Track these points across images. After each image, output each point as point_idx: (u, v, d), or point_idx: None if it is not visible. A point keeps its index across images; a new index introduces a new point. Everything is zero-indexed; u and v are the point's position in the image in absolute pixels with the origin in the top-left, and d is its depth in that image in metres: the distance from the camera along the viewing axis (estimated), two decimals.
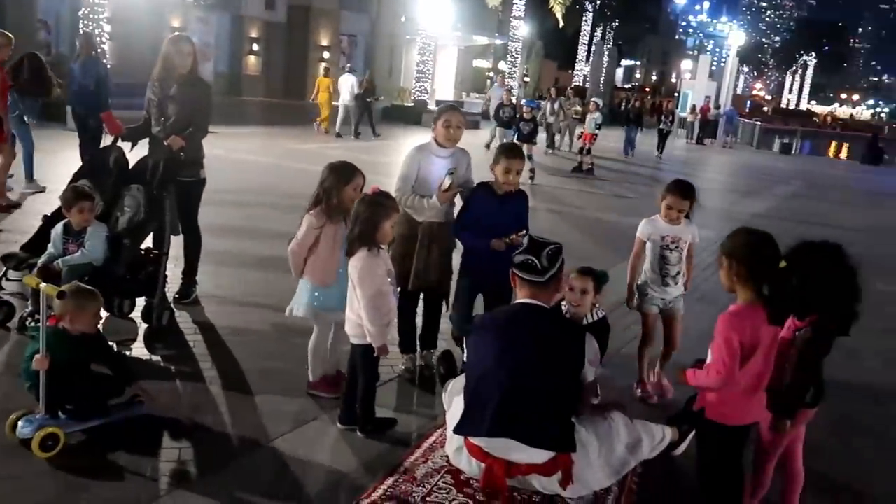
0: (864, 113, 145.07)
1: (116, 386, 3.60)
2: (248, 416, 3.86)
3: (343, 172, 3.91)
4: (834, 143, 39.25)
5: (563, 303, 3.89)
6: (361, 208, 3.57)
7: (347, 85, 19.10)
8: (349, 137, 18.55)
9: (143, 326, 4.81)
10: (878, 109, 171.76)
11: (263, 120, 21.34)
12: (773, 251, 2.89)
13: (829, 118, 75.33)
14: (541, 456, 3.01)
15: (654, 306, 4.33)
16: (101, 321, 3.88)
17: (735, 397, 2.88)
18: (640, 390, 4.41)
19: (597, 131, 16.47)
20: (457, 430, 3.17)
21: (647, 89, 77.68)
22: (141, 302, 4.88)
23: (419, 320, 4.64)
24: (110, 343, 3.89)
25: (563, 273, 3.34)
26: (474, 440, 3.11)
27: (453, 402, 3.44)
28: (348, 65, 23.98)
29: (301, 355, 4.46)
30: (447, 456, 3.29)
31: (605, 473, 3.15)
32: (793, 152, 30.08)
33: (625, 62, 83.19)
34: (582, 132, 17.13)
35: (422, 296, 4.54)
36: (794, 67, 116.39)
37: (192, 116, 5.16)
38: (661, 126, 21.53)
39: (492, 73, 47.40)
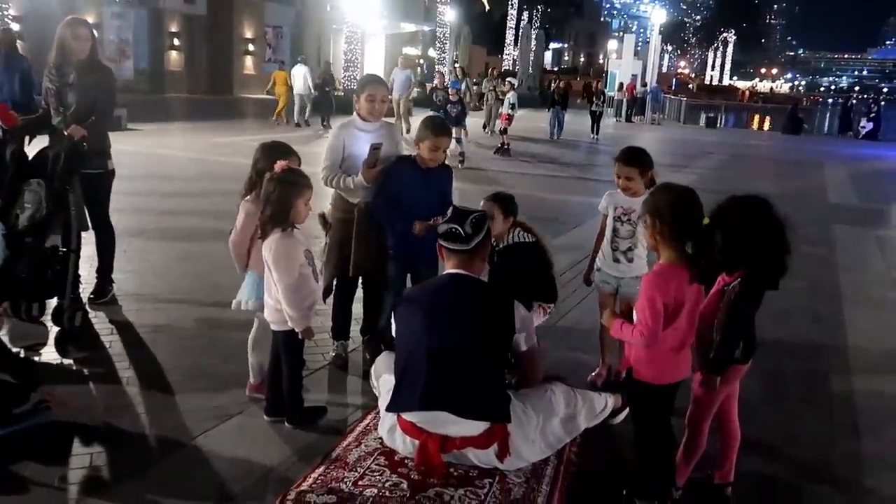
0: (783, 87, 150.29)
1: (19, 392, 3.34)
2: (169, 416, 3.64)
3: (275, 152, 3.63)
4: (757, 116, 40.36)
5: None
6: (271, 188, 3.36)
7: (300, 75, 19.14)
8: (317, 127, 18.39)
9: (54, 329, 4.51)
10: (796, 83, 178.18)
11: (187, 116, 20.70)
12: (696, 208, 2.83)
13: (746, 93, 77.54)
14: (475, 428, 2.91)
15: (607, 284, 4.09)
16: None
17: (661, 357, 2.83)
18: (594, 374, 4.26)
19: (511, 112, 16.53)
20: (389, 408, 3.04)
21: (576, 71, 78.51)
22: (54, 305, 4.58)
23: (358, 308, 4.47)
24: (14, 349, 3.63)
25: (489, 241, 3.24)
26: (407, 416, 2.98)
27: (381, 381, 3.32)
28: (280, 59, 23.68)
29: (226, 350, 4.28)
30: (381, 438, 3.15)
31: (542, 447, 3.07)
32: (718, 126, 30.85)
33: (553, 45, 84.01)
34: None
35: (360, 281, 4.36)
36: (716, 45, 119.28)
37: (94, 104, 4.85)
38: (592, 108, 21.65)
39: (421, 61, 47.20)
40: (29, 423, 3.32)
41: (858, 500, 3.23)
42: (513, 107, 16.74)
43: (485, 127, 20.59)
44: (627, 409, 3.33)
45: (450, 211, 3.21)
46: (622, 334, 2.91)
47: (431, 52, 45.89)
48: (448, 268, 3.16)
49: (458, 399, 2.91)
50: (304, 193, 3.40)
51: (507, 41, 49.16)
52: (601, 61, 78.88)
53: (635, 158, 3.90)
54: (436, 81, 17.70)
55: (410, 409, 2.96)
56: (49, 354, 4.25)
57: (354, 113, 4.24)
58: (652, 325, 2.75)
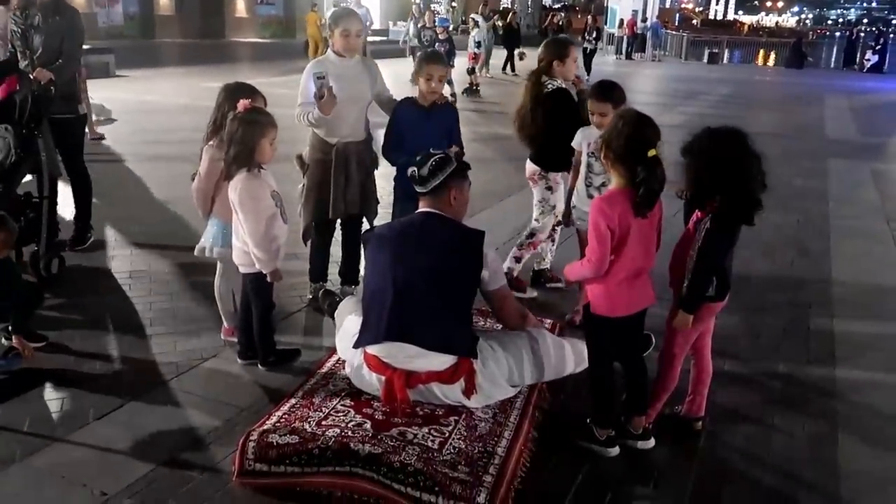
0: (789, 20, 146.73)
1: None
2: (143, 359, 3.65)
3: (239, 93, 3.51)
4: (762, 51, 39.52)
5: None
6: (234, 127, 3.26)
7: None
8: None
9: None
10: (803, 16, 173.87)
11: (178, 61, 20.35)
12: (645, 135, 2.74)
13: (745, 27, 75.84)
14: (441, 363, 2.90)
15: (582, 221, 4.00)
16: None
17: (614, 289, 2.81)
18: (572, 313, 4.20)
19: (477, 50, 16.15)
20: (356, 344, 3.03)
21: (577, 8, 76.76)
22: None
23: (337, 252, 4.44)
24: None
25: (458, 183, 3.16)
26: (371, 350, 2.97)
27: (344, 323, 3.31)
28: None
29: (202, 294, 4.26)
30: (347, 379, 3.14)
31: (510, 388, 3.08)
32: (722, 62, 30.24)
33: None
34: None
35: (339, 225, 4.31)
36: None
37: (61, 46, 4.73)
38: (584, 45, 20.51)
39: (419, 1, 46.08)
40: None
41: (830, 428, 3.22)
42: (478, 45, 16.35)
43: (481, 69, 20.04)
44: None
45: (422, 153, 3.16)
46: (575, 273, 2.91)
47: None
48: (420, 206, 3.13)
49: (422, 331, 2.90)
50: (269, 132, 3.31)
51: None
52: None
53: (607, 93, 3.79)
54: (426, 19, 17.21)
55: (375, 342, 2.95)
56: None
57: (329, 49, 4.12)
58: (598, 248, 2.74)
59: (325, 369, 3.33)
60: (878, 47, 27.49)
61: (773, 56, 35.47)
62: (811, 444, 3.11)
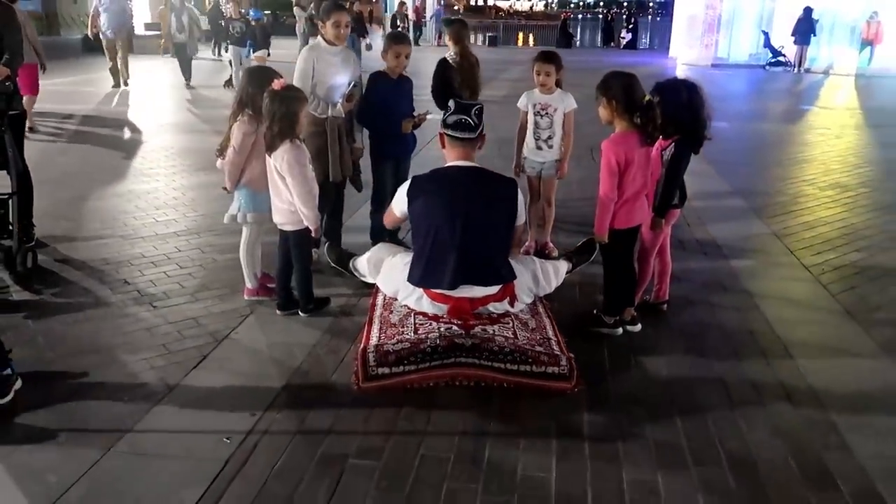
0: (538, 4, 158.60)
1: None
2: (187, 324, 3.95)
3: (262, 77, 3.90)
4: (521, 34, 42.79)
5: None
6: (276, 105, 3.71)
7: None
8: None
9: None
10: (550, 1, 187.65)
11: None
12: (639, 88, 3.71)
13: (500, 12, 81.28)
14: (493, 289, 3.64)
15: (532, 169, 4.93)
16: None
17: (625, 207, 3.73)
18: (525, 246, 5.00)
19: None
20: (420, 283, 3.61)
21: None
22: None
23: None
24: None
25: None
26: (436, 290, 3.60)
27: (384, 268, 3.94)
28: None
29: (193, 266, 4.62)
30: (406, 305, 3.76)
31: (530, 294, 3.89)
32: (497, 45, 32.69)
33: None
34: None
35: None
36: None
37: (2, 43, 4.71)
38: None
39: None
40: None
41: (753, 305, 4.41)
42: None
43: None
44: (574, 267, 4.34)
45: (452, 104, 3.72)
46: (600, 220, 3.70)
47: None
48: (451, 158, 3.70)
49: (481, 273, 3.58)
50: (303, 106, 3.81)
51: None
52: None
53: (553, 57, 4.74)
54: (230, 11, 16.85)
55: (441, 288, 3.55)
56: (18, 294, 4.31)
57: (319, 37, 4.62)
58: (609, 181, 3.63)
59: (378, 303, 3.91)
60: (631, 26, 31.41)
61: (531, 38, 38.74)
62: (742, 317, 4.27)
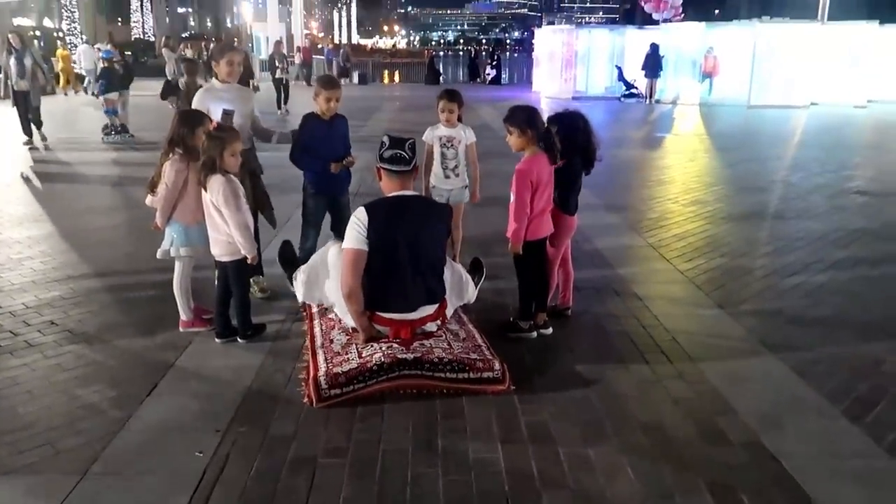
0: (400, 42, 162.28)
1: None
2: (130, 357, 4.10)
3: (192, 118, 4.20)
4: (387, 72, 43.76)
5: None
6: (205, 143, 4.03)
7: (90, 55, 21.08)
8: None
9: None
10: (411, 38, 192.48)
11: None
12: (540, 117, 4.26)
13: (366, 49, 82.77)
14: (431, 308, 4.01)
15: (440, 196, 5.32)
16: None
17: (535, 221, 4.25)
18: None
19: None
20: (383, 309, 3.88)
21: (204, 37, 76.18)
22: None
23: None
24: None
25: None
26: (384, 315, 3.90)
27: (321, 283, 4.26)
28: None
29: (126, 301, 4.72)
30: (344, 331, 4.06)
31: (455, 301, 4.33)
32: (367, 83, 33.33)
33: (179, 10, 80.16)
34: None
35: None
36: (340, 5, 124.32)
37: None
38: (277, 76, 19.82)
39: (38, 32, 42.28)
40: None
41: (640, 300, 5.03)
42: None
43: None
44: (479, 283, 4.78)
45: (386, 139, 4.00)
46: (514, 230, 4.17)
47: (48, 22, 41.34)
48: (389, 189, 3.98)
49: (425, 296, 3.95)
50: (228, 145, 4.06)
51: (133, 7, 46.28)
52: (229, 25, 77.21)
53: (456, 96, 5.24)
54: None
55: (406, 312, 3.88)
56: None
57: (212, 78, 4.87)
58: (523, 197, 4.13)
59: (317, 332, 4.18)
60: (495, 63, 32.99)
61: (397, 75, 39.74)
62: (634, 316, 4.89)
